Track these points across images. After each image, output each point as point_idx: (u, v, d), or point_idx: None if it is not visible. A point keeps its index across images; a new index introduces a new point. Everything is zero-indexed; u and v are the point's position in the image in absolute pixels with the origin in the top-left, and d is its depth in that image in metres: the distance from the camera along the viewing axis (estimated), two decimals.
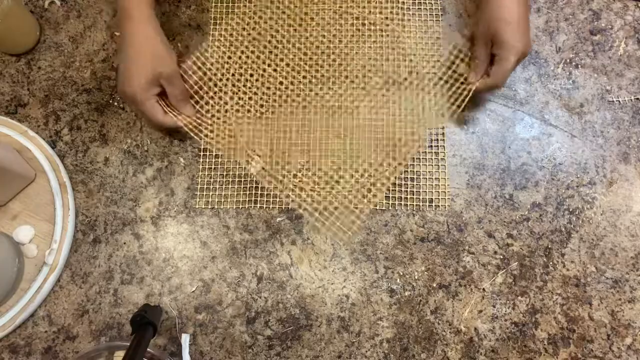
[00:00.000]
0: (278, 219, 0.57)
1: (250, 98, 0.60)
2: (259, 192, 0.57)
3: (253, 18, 0.62)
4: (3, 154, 0.53)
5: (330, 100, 0.59)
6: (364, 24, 0.62)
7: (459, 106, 0.58)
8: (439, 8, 0.62)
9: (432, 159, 0.58)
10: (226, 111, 0.59)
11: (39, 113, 0.61)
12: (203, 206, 0.57)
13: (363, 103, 0.59)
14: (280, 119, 0.59)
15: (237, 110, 0.59)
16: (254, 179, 0.57)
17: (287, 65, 0.61)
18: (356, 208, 0.56)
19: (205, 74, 0.60)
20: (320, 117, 0.59)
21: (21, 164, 0.56)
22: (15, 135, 0.58)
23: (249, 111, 0.59)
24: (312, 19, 0.62)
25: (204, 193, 0.58)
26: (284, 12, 0.63)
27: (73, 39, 0.63)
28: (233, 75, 0.60)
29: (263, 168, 0.57)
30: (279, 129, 0.59)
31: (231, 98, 0.59)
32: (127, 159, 0.59)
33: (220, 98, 0.59)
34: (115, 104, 0.61)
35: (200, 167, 0.58)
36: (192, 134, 0.57)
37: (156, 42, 0.54)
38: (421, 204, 0.57)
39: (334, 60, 0.61)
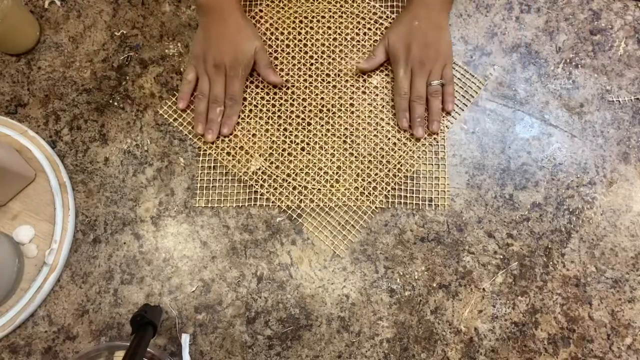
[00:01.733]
0: (278, 219, 0.57)
1: (250, 98, 0.60)
2: (259, 190, 0.57)
3: (254, 19, 0.62)
4: (3, 154, 0.53)
5: (331, 101, 0.59)
6: (364, 25, 0.62)
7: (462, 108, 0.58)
8: None
9: (432, 158, 0.58)
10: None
11: (39, 113, 0.61)
12: (203, 205, 0.57)
13: (364, 104, 0.59)
14: (281, 119, 0.59)
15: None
16: (254, 177, 0.57)
17: (286, 65, 0.61)
18: (357, 209, 0.57)
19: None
20: (320, 117, 0.59)
21: (21, 164, 0.56)
22: (15, 135, 0.58)
23: (250, 111, 0.59)
24: (312, 17, 0.62)
25: (204, 192, 0.58)
26: (284, 12, 0.63)
27: (73, 39, 0.63)
28: None
29: (262, 169, 0.57)
30: (279, 128, 0.59)
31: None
32: (127, 159, 0.59)
33: None
34: (115, 104, 0.61)
35: (200, 165, 0.58)
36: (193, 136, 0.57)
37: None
38: (421, 203, 0.57)
39: (333, 59, 0.61)
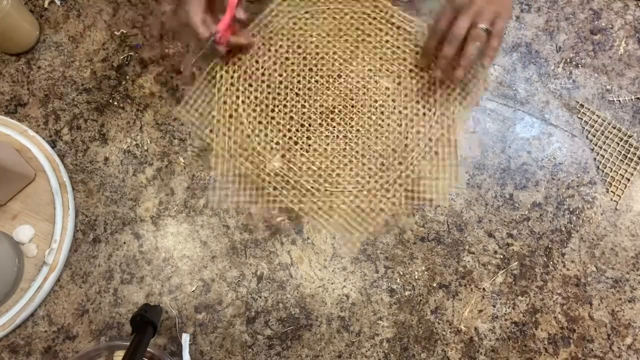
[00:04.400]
0: (278, 218, 0.57)
1: (253, 97, 0.60)
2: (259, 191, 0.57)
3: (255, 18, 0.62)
4: (3, 153, 0.53)
5: (333, 102, 0.59)
6: (367, 25, 0.62)
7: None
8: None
9: (432, 158, 0.58)
10: (226, 111, 0.59)
11: (39, 112, 0.61)
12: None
13: (366, 105, 0.59)
14: (284, 120, 0.59)
15: (238, 110, 0.59)
16: (254, 177, 0.57)
17: (287, 66, 0.61)
18: (361, 210, 0.57)
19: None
20: (323, 118, 0.59)
21: (21, 164, 0.56)
22: (15, 135, 0.58)
23: (253, 110, 0.59)
24: (313, 17, 0.62)
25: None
26: (285, 12, 0.62)
27: (73, 39, 0.63)
28: (224, 102, 0.60)
29: (273, 170, 0.57)
30: (282, 128, 0.59)
31: (234, 98, 0.59)
32: (127, 159, 0.59)
33: (219, 99, 0.59)
34: (115, 103, 0.61)
35: (213, 158, 0.58)
36: (194, 128, 0.57)
37: None
38: (422, 203, 0.57)
39: (335, 60, 0.61)
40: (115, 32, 0.63)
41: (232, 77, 0.60)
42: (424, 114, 0.59)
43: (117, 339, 0.54)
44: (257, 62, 0.60)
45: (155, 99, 0.61)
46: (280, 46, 0.61)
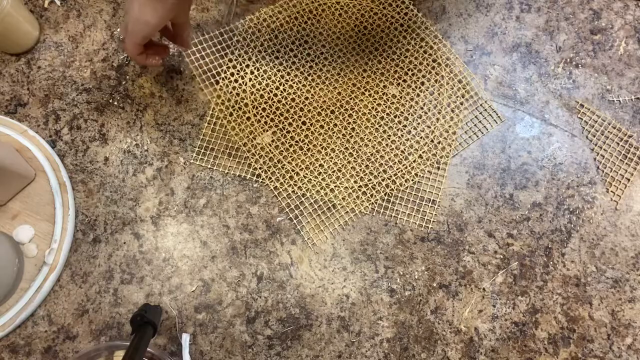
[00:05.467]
0: (278, 218, 0.57)
1: (247, 100, 0.60)
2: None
3: (255, 15, 0.62)
4: (3, 153, 0.53)
5: (332, 100, 0.59)
6: (365, 26, 0.62)
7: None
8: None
9: (432, 157, 0.58)
10: (226, 106, 0.59)
11: (39, 112, 0.61)
12: (203, 165, 0.57)
13: (363, 103, 0.59)
14: (285, 118, 0.59)
15: (237, 107, 0.59)
16: (254, 175, 0.58)
17: (288, 66, 0.61)
18: (354, 207, 0.57)
19: (205, 72, 0.60)
20: (323, 118, 0.59)
21: (21, 164, 0.56)
22: (15, 135, 0.58)
23: (255, 107, 0.59)
24: (313, 17, 0.62)
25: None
26: (285, 12, 0.62)
27: (73, 39, 0.63)
28: (234, 67, 0.60)
29: (270, 144, 0.57)
30: (283, 127, 0.59)
31: (233, 97, 0.60)
32: (127, 159, 0.59)
33: (218, 97, 0.59)
34: (115, 103, 0.61)
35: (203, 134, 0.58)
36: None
37: None
38: (423, 203, 0.57)
39: (334, 60, 0.61)
40: (116, 32, 0.63)
41: (220, 74, 0.60)
42: (423, 130, 0.58)
43: (117, 339, 0.54)
44: (249, 57, 0.61)
45: (155, 99, 0.61)
46: (273, 44, 0.61)
